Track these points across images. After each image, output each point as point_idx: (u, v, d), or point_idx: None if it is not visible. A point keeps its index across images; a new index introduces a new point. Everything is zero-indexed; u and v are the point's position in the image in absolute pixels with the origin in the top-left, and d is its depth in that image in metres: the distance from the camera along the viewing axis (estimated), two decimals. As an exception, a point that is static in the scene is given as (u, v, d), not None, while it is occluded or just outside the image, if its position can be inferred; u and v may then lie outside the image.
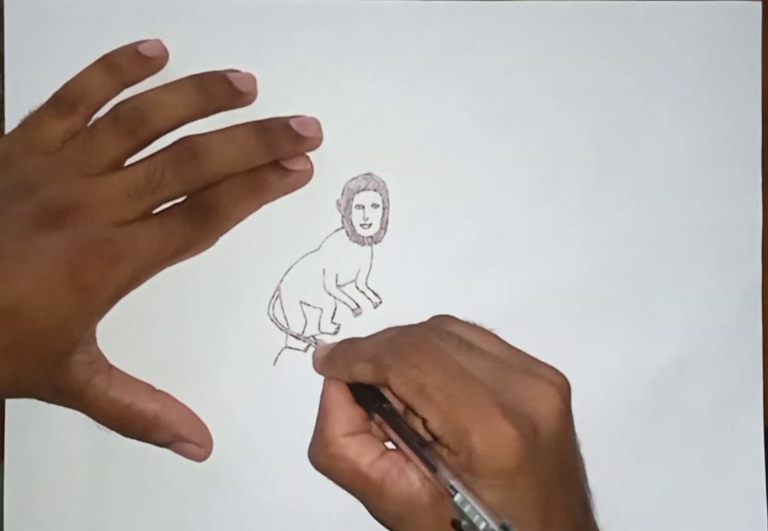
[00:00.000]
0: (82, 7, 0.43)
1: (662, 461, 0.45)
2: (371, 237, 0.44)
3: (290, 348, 0.44)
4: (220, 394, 0.43)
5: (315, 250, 0.44)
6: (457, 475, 0.35)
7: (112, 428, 0.41)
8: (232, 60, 0.43)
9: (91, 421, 0.41)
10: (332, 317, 0.44)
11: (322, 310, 0.44)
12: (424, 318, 0.42)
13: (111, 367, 0.41)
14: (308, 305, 0.44)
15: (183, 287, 0.43)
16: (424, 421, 0.36)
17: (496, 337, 0.40)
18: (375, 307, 0.44)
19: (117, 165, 0.40)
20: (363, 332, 0.44)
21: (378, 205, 0.44)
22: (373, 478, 0.37)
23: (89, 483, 0.42)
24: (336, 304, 0.44)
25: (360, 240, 0.44)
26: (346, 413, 0.39)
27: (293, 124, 0.42)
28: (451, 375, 0.36)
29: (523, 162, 0.45)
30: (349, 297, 0.44)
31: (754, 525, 0.42)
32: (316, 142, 0.43)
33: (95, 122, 0.41)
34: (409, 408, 0.37)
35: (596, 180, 0.45)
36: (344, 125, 0.44)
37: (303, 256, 0.44)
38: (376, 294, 0.44)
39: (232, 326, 0.44)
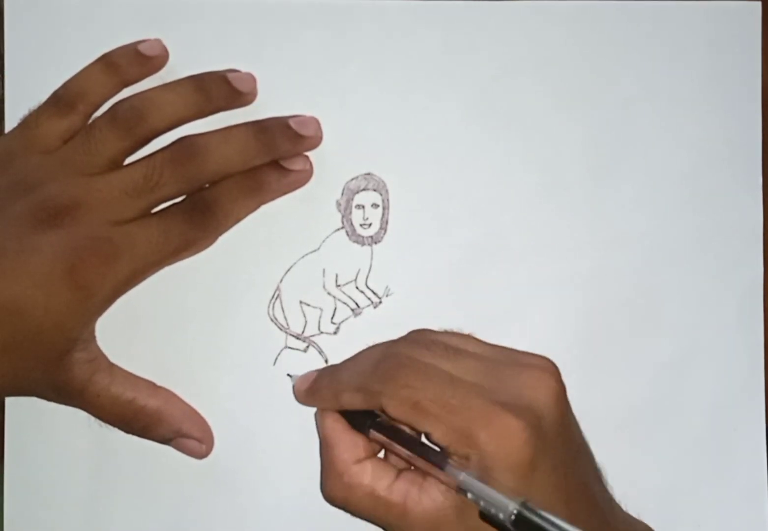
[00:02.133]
0: (82, 7, 0.43)
1: (662, 461, 0.45)
2: (371, 237, 0.44)
3: (290, 348, 0.44)
4: (220, 394, 0.43)
5: (315, 250, 0.44)
6: (467, 467, 0.35)
7: (114, 425, 0.41)
8: (232, 60, 0.43)
9: (91, 420, 0.41)
10: (332, 317, 0.44)
11: (322, 310, 0.44)
12: (424, 318, 0.42)
13: (111, 364, 0.41)
14: (308, 305, 0.44)
15: (183, 287, 0.43)
16: (427, 436, 0.36)
17: (476, 339, 0.40)
18: (375, 307, 0.44)
19: (116, 164, 0.40)
20: (363, 332, 0.44)
21: (378, 205, 0.44)
22: (394, 501, 0.36)
23: (89, 483, 0.42)
24: (336, 304, 0.44)
25: (360, 240, 0.44)
26: (350, 440, 0.38)
27: (292, 123, 0.42)
28: (442, 384, 0.36)
29: (523, 162, 0.45)
30: (349, 297, 0.44)
31: (754, 525, 0.42)
32: (315, 141, 0.43)
33: (93, 121, 0.41)
34: (409, 427, 0.37)
35: (596, 180, 0.45)
36: (344, 125, 0.44)
37: (303, 256, 0.44)
38: (376, 294, 0.44)
39: (232, 326, 0.44)
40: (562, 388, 0.37)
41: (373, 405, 0.37)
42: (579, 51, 0.45)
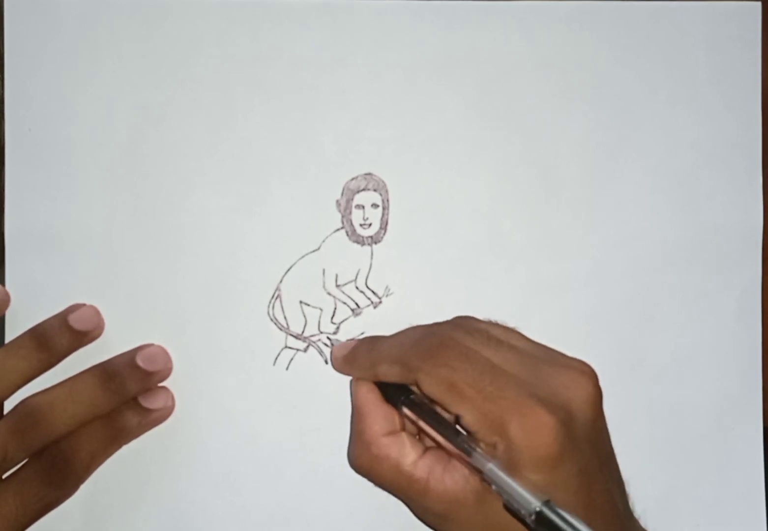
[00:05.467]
0: (81, 7, 0.43)
1: (662, 461, 0.45)
2: (371, 237, 0.44)
3: (290, 348, 0.44)
4: (220, 394, 0.43)
5: (315, 250, 0.44)
6: (494, 458, 0.35)
7: None
8: (232, 60, 0.43)
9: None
10: (332, 317, 0.44)
11: (321, 310, 0.44)
12: (424, 318, 0.42)
13: None
14: (308, 305, 0.44)
15: (183, 287, 0.43)
16: (457, 419, 0.36)
17: (520, 333, 0.40)
18: (375, 307, 0.44)
19: None
20: (363, 332, 0.44)
21: (378, 205, 0.44)
22: (417, 476, 0.37)
23: (88, 482, 0.42)
24: (336, 304, 0.44)
25: (360, 240, 0.44)
26: (382, 412, 0.39)
27: (140, 361, 0.41)
28: (482, 370, 0.36)
29: (523, 162, 0.45)
30: (349, 297, 0.44)
31: (753, 525, 0.42)
32: (166, 373, 0.42)
33: None
34: (441, 407, 0.37)
35: (596, 180, 0.45)
36: (344, 125, 0.44)
37: (303, 256, 0.44)
38: (375, 294, 0.44)
39: (232, 326, 0.44)
40: (598, 394, 0.37)
41: (409, 379, 0.37)
42: (579, 51, 0.45)
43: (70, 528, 0.43)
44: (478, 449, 0.35)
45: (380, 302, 0.44)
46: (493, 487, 0.34)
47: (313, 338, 0.44)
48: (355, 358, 0.41)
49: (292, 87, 0.44)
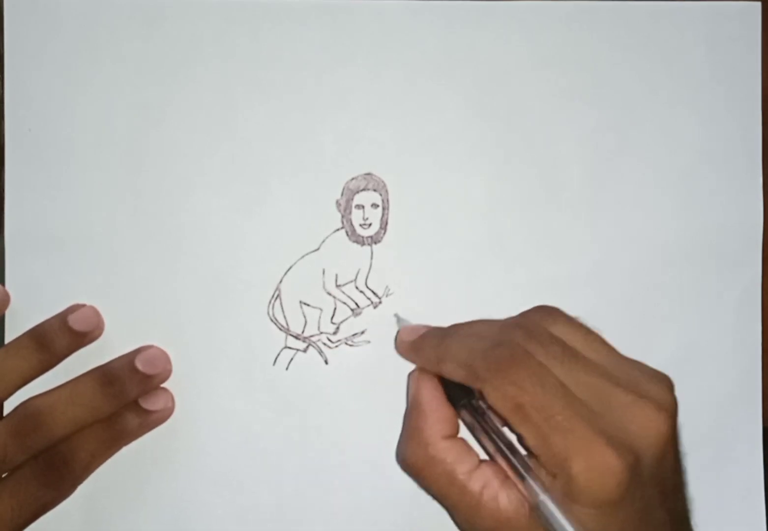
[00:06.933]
0: (81, 7, 0.43)
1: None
2: (371, 237, 0.44)
3: (290, 348, 0.44)
4: (220, 394, 0.43)
5: (315, 250, 0.44)
6: (547, 489, 0.33)
7: None
8: (232, 60, 0.43)
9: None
10: (332, 317, 0.44)
11: (321, 310, 0.44)
12: (424, 318, 0.42)
13: None
14: (308, 305, 0.44)
15: (183, 287, 0.43)
16: (520, 437, 0.35)
17: (601, 340, 0.37)
18: (375, 307, 0.44)
19: None
20: (363, 330, 0.44)
21: (378, 205, 0.44)
22: (470, 488, 0.35)
23: (88, 482, 0.42)
24: (336, 304, 0.44)
25: (360, 240, 0.44)
26: (444, 413, 0.37)
27: (139, 364, 0.41)
28: (552, 395, 0.34)
29: (523, 162, 0.45)
30: (349, 297, 0.44)
31: (752, 525, 0.42)
32: (166, 375, 0.42)
33: None
34: (503, 420, 0.36)
35: (596, 180, 0.45)
36: (344, 125, 0.44)
37: (303, 256, 0.44)
38: (375, 294, 0.44)
39: (232, 326, 0.44)
40: (672, 431, 0.35)
41: (474, 386, 0.35)
42: (579, 51, 0.45)
43: (69, 528, 0.43)
44: (533, 477, 0.34)
45: (380, 302, 0.44)
46: (542, 518, 0.33)
47: (313, 338, 0.44)
48: (422, 348, 0.39)
49: (292, 87, 0.44)
